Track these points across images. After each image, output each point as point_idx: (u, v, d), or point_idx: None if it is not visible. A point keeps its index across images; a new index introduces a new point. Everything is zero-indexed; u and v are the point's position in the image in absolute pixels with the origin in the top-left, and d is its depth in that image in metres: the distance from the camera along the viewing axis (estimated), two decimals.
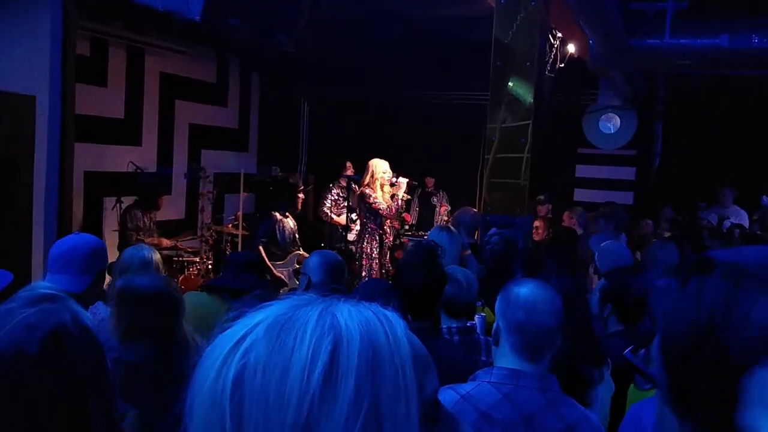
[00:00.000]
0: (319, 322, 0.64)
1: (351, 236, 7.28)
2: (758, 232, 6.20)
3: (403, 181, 6.48)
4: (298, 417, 0.59)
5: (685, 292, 0.73)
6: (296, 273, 6.63)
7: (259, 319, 0.66)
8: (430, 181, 8.71)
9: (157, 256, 3.28)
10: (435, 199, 8.67)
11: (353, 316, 0.65)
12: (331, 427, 0.59)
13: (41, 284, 1.21)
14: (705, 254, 0.74)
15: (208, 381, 0.64)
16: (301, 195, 7.28)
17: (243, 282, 3.38)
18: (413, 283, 2.62)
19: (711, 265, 0.72)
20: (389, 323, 0.67)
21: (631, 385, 2.30)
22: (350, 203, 7.05)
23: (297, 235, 6.90)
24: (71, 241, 2.54)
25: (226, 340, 0.66)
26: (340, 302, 0.68)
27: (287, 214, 6.85)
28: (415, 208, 8.65)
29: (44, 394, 1.06)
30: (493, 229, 4.34)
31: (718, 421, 0.67)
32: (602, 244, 4.03)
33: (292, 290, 5.28)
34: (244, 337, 0.65)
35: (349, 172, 8.12)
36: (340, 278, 3.17)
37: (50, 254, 2.51)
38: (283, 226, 6.69)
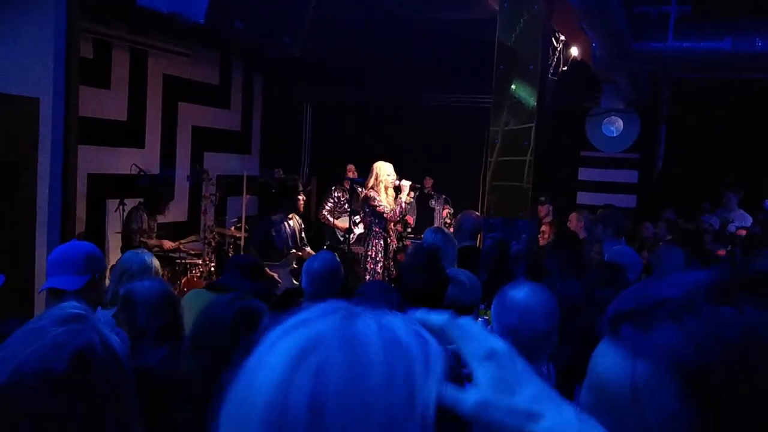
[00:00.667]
0: (381, 335, 0.61)
1: (352, 239, 7.30)
2: (760, 235, 6.18)
3: (406, 184, 6.48)
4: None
5: (733, 316, 0.66)
6: (293, 273, 6.64)
7: (317, 330, 0.61)
8: (429, 182, 8.67)
9: (156, 262, 3.29)
10: (433, 202, 8.65)
11: (400, 326, 0.63)
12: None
13: (71, 304, 1.24)
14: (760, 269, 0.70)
15: (262, 397, 0.58)
16: (302, 197, 7.28)
17: (245, 285, 3.38)
18: (414, 286, 2.62)
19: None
20: (418, 329, 0.65)
21: None
22: (353, 206, 7.06)
23: (302, 235, 6.91)
24: (66, 246, 2.72)
25: (280, 354, 0.60)
26: (366, 312, 0.65)
27: (291, 215, 6.87)
28: (413, 211, 8.64)
29: (68, 414, 1.08)
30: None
31: None
32: (614, 248, 4.03)
33: (288, 290, 5.29)
34: (307, 350, 0.59)
35: (351, 174, 8.12)
36: (329, 285, 3.13)
37: (48, 261, 2.65)
38: (282, 228, 6.68)
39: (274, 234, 6.64)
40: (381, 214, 6.43)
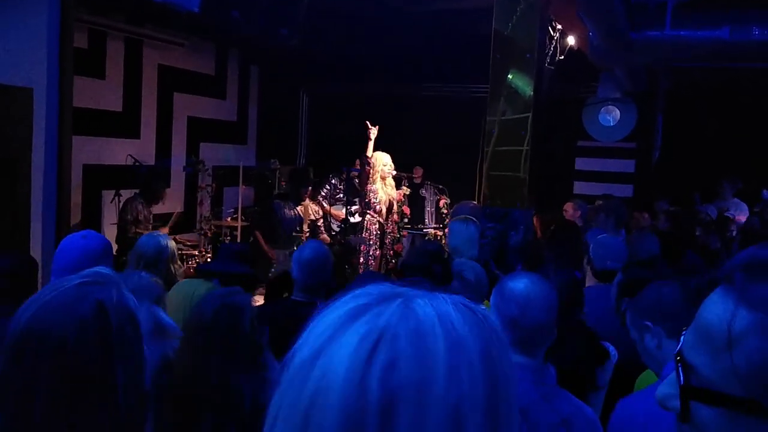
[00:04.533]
0: (443, 328, 0.61)
1: (335, 226, 7.36)
2: (758, 226, 6.17)
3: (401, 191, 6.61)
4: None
5: None
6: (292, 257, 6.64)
7: (386, 320, 0.61)
8: (418, 171, 8.63)
9: (172, 243, 3.25)
10: (424, 191, 8.63)
11: (458, 319, 0.63)
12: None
13: (101, 267, 1.34)
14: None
15: (337, 392, 0.58)
16: (307, 188, 7.18)
17: (232, 267, 3.47)
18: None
19: None
20: (490, 324, 0.66)
21: (647, 371, 2.28)
22: (349, 196, 7.05)
23: (307, 223, 6.88)
24: (81, 249, 2.38)
25: (351, 345, 0.60)
26: (422, 296, 0.65)
27: (304, 203, 6.85)
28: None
29: (86, 353, 1.18)
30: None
31: None
32: (598, 237, 4.01)
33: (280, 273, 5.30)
34: (377, 343, 0.59)
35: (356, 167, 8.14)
36: (320, 273, 3.12)
37: (58, 257, 2.37)
38: (285, 214, 6.67)
39: (279, 218, 6.63)
40: (372, 207, 6.45)
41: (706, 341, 0.74)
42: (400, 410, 0.57)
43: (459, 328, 0.62)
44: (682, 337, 0.80)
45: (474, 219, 4.34)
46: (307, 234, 6.70)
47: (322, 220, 7.07)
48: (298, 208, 6.72)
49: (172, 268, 3.16)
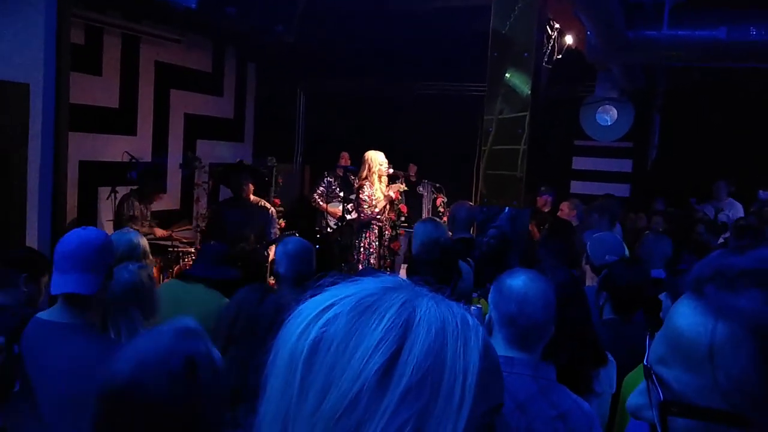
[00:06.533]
0: (398, 313, 0.65)
1: (332, 223, 7.34)
2: (755, 224, 6.19)
3: (395, 187, 6.58)
4: (348, 398, 0.61)
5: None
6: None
7: (349, 292, 0.69)
8: (413, 169, 8.62)
9: (144, 241, 3.27)
10: (421, 189, 8.63)
11: (431, 313, 0.66)
12: (373, 419, 0.60)
13: (188, 320, 1.42)
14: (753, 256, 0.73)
15: (291, 339, 0.68)
16: (248, 185, 6.61)
17: (218, 272, 3.40)
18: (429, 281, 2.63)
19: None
20: (465, 329, 0.67)
21: (639, 367, 2.28)
22: (345, 194, 7.04)
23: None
24: (80, 238, 2.36)
25: (314, 304, 0.69)
26: (427, 295, 0.70)
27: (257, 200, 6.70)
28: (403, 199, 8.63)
29: (177, 408, 1.26)
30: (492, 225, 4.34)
31: None
32: (594, 235, 4.03)
33: None
34: (330, 306, 0.68)
35: (344, 162, 8.10)
36: (306, 265, 3.12)
37: (58, 252, 2.35)
38: (231, 217, 6.50)
39: (224, 223, 6.49)
40: (366, 207, 6.45)
41: (681, 355, 0.73)
42: (322, 348, 0.64)
43: (421, 329, 0.64)
44: (647, 349, 0.79)
45: (437, 220, 4.41)
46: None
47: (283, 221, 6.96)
48: (270, 209, 6.55)
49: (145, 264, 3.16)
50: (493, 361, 0.68)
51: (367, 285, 0.70)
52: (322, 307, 0.68)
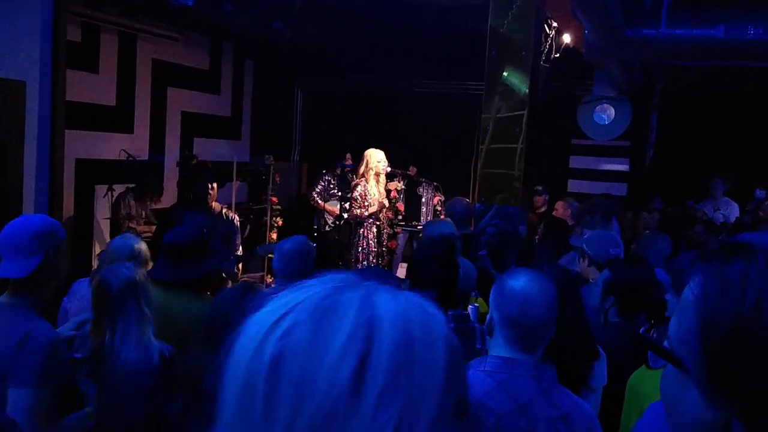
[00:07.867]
0: (359, 312, 0.63)
1: (330, 222, 7.33)
2: (749, 223, 6.19)
3: (393, 185, 6.58)
4: (323, 410, 0.58)
5: (725, 279, 0.71)
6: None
7: (302, 297, 0.65)
8: (413, 170, 8.63)
9: (144, 246, 3.26)
10: (421, 189, 8.62)
11: (392, 308, 0.64)
12: (352, 427, 0.58)
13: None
14: (736, 238, 0.76)
15: (245, 357, 0.63)
16: (211, 187, 6.03)
17: (180, 273, 3.04)
18: (434, 276, 2.62)
19: (748, 250, 0.72)
20: (427, 318, 0.65)
21: (642, 367, 2.28)
22: (343, 192, 7.03)
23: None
24: (14, 225, 2.39)
25: (266, 315, 0.65)
26: (381, 289, 0.67)
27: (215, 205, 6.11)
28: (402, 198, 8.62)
29: None
30: (488, 221, 4.33)
31: (762, 414, 0.68)
32: (587, 234, 4.03)
33: None
34: (285, 316, 0.64)
35: (348, 163, 8.09)
36: (301, 265, 3.10)
37: None
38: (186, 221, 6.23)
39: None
40: (356, 207, 6.45)
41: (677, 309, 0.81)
42: (285, 362, 0.61)
43: (386, 324, 0.62)
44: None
45: (448, 220, 4.39)
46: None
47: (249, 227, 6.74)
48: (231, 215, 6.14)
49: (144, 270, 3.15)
50: (456, 348, 0.66)
51: (317, 288, 0.66)
52: (274, 318, 0.64)
